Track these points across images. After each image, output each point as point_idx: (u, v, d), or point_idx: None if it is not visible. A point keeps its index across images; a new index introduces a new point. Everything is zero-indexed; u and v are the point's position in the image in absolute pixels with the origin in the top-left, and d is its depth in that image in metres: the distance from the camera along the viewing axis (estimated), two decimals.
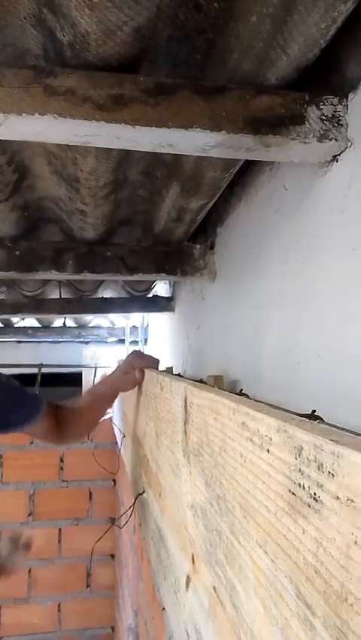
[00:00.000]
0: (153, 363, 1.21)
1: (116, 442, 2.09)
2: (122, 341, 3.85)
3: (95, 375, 3.24)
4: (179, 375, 1.42)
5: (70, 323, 3.12)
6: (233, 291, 1.18)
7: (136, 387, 1.22)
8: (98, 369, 2.79)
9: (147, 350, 3.25)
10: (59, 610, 2.75)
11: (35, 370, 2.54)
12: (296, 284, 0.81)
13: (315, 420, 0.40)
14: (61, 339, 3.35)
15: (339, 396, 0.66)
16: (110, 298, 2.09)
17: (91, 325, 3.28)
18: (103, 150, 0.81)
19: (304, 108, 0.65)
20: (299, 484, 0.31)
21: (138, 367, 1.19)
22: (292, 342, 0.82)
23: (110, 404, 1.28)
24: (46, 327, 3.10)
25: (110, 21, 0.53)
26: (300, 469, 0.31)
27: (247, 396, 0.90)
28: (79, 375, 3.11)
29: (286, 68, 0.63)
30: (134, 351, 1.31)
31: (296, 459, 0.31)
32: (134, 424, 1.32)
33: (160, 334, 2.47)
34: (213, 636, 0.53)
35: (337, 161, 0.69)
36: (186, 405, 0.65)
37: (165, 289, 2.13)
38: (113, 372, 1.26)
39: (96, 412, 1.27)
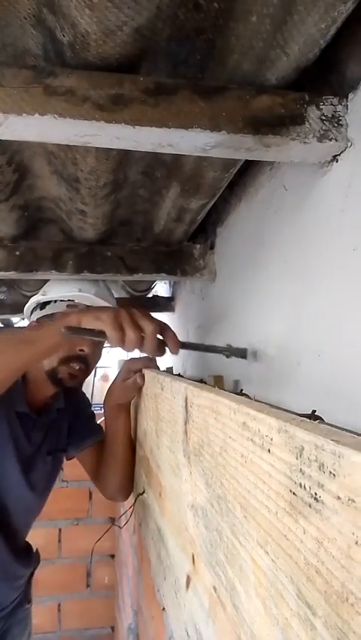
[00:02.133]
0: (150, 362, 1.22)
1: None
2: None
3: (94, 375, 3.23)
4: (179, 375, 1.42)
5: None
6: (233, 291, 1.18)
7: None
8: (97, 369, 2.79)
9: None
10: (59, 610, 2.75)
11: None
12: (296, 284, 0.81)
13: (315, 420, 0.40)
14: None
15: (339, 396, 0.66)
16: None
17: None
18: (103, 150, 0.81)
19: (304, 108, 0.65)
20: (300, 484, 0.31)
21: (136, 370, 1.19)
22: (292, 342, 0.82)
23: (128, 423, 1.29)
24: None
25: (110, 21, 0.53)
26: (301, 469, 0.31)
27: (247, 396, 0.90)
28: None
29: (286, 68, 0.62)
30: (129, 359, 1.33)
31: (297, 459, 0.31)
32: (134, 424, 1.32)
33: None
34: (213, 636, 0.53)
35: (337, 161, 0.69)
36: (186, 405, 0.65)
37: (165, 289, 2.13)
38: (113, 382, 1.27)
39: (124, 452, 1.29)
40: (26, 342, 0.96)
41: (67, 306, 1.23)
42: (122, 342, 0.87)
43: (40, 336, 0.97)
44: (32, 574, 1.45)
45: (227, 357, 0.99)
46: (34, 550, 1.48)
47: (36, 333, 1.00)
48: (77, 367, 1.21)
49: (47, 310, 1.26)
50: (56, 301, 1.26)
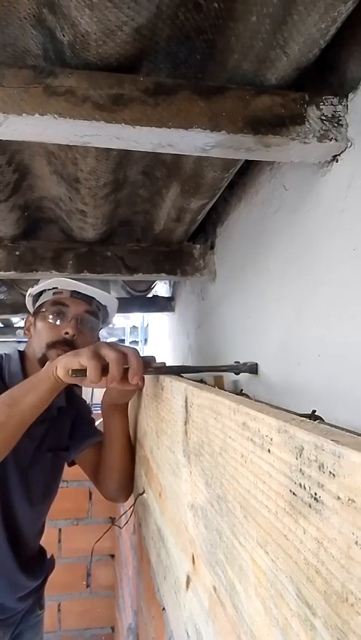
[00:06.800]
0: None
1: None
2: (122, 341, 3.86)
3: None
4: (179, 375, 1.41)
5: None
6: (233, 291, 1.18)
7: None
8: None
9: (147, 350, 3.26)
10: (59, 610, 2.74)
11: None
12: (296, 284, 0.81)
13: (315, 420, 0.41)
14: None
15: (339, 396, 0.66)
16: None
17: None
18: (103, 150, 0.81)
19: (304, 108, 0.65)
20: (300, 485, 0.31)
21: None
22: (292, 342, 0.82)
23: (125, 422, 1.29)
24: None
25: (110, 21, 0.53)
26: (301, 470, 0.31)
27: (247, 396, 0.90)
28: None
29: (286, 68, 0.62)
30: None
31: (297, 459, 0.31)
32: (134, 424, 1.32)
33: (160, 334, 2.47)
34: (213, 636, 0.53)
35: (337, 162, 0.69)
36: (186, 405, 0.65)
37: (165, 289, 2.13)
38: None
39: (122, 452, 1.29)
40: (18, 398, 1.00)
41: (53, 294, 1.26)
42: (100, 368, 0.88)
43: (32, 387, 1.00)
44: (45, 580, 1.45)
45: (236, 374, 0.99)
46: (49, 556, 1.48)
47: (26, 387, 1.02)
48: (65, 350, 1.22)
49: (40, 301, 1.29)
50: (45, 291, 1.29)
